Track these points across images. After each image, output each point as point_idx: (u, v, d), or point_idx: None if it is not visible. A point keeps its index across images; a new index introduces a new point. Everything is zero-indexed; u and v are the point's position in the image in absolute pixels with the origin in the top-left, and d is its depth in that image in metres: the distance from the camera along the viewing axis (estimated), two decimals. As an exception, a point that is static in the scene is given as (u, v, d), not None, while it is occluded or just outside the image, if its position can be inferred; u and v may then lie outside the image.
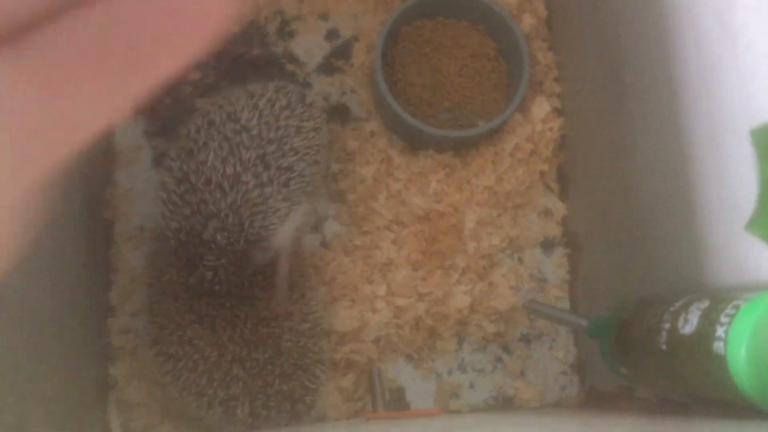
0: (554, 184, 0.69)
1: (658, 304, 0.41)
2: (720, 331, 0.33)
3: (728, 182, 0.44)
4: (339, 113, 0.69)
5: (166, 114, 0.68)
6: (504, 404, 0.64)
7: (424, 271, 0.65)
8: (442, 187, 0.67)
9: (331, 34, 0.71)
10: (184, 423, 0.61)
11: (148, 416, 0.62)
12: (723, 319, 0.34)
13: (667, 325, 0.38)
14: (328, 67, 0.70)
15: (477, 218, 0.66)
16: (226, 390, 0.56)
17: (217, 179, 0.53)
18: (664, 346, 0.38)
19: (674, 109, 0.49)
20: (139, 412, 0.62)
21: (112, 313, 0.64)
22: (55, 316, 0.54)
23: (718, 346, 0.33)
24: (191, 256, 0.54)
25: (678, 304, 0.39)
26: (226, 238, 0.53)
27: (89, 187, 0.64)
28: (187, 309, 0.56)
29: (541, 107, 0.68)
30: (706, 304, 0.36)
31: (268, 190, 0.53)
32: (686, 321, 0.36)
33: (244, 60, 0.69)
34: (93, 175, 0.65)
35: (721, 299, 0.36)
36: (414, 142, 0.69)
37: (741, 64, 0.42)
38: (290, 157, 0.56)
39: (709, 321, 0.35)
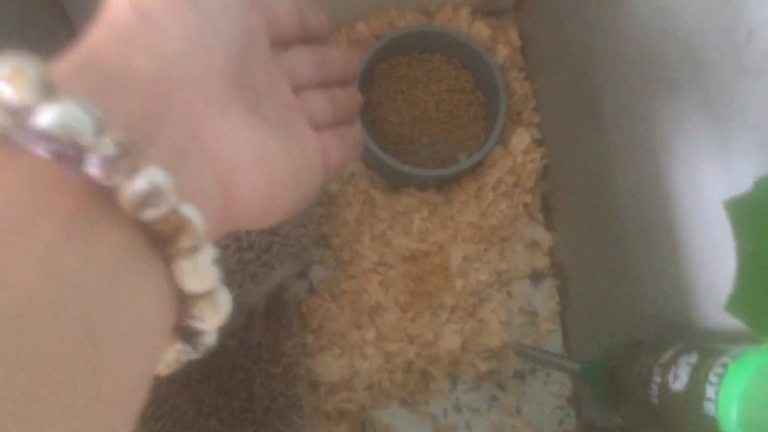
0: (539, 214, 0.69)
1: (647, 353, 0.41)
2: (710, 392, 0.33)
3: (708, 223, 0.43)
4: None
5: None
6: (501, 443, 0.64)
7: (413, 313, 0.64)
8: (426, 225, 0.66)
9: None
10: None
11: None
12: (712, 378, 0.33)
13: (657, 378, 0.38)
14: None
15: (463, 255, 0.66)
16: None
17: None
18: (655, 401, 0.38)
19: (650, 147, 0.49)
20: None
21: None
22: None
23: (709, 407, 0.33)
24: None
25: (667, 356, 0.38)
26: None
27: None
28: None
29: (521, 138, 0.68)
30: (695, 359, 0.36)
31: (248, 255, 0.51)
32: (676, 377, 0.36)
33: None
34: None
35: (709, 354, 0.35)
36: (395, 181, 0.68)
37: (712, 105, 0.41)
38: None
39: (698, 379, 0.34)
